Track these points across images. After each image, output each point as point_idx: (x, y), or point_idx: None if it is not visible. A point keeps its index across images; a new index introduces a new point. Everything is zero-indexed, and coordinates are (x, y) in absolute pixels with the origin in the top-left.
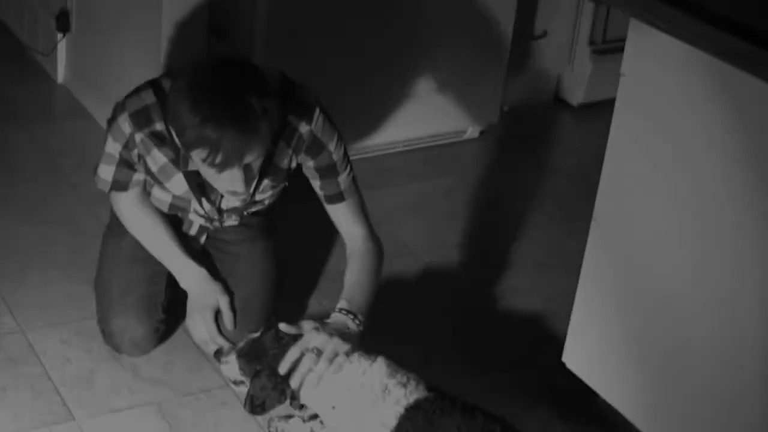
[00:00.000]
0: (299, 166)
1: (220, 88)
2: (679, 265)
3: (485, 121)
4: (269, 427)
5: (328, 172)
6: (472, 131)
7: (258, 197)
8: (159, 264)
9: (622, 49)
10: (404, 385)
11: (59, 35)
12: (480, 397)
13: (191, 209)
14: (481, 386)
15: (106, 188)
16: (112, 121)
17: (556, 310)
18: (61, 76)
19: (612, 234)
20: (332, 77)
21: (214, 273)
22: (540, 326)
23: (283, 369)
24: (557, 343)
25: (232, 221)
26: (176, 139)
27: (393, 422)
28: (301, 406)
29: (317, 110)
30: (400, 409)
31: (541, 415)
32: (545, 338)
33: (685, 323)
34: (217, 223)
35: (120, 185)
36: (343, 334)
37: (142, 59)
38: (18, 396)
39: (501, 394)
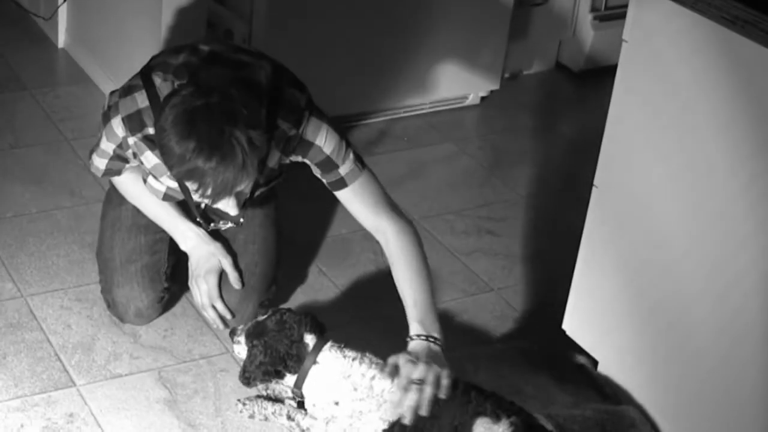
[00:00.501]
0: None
1: (205, 123)
2: (680, 232)
3: (486, 87)
4: (243, 403)
5: (326, 165)
6: (474, 97)
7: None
8: (160, 231)
9: (623, 16)
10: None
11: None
12: (482, 366)
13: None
14: (481, 355)
15: (99, 174)
16: (105, 120)
17: (556, 277)
18: (61, 40)
19: (613, 201)
20: (332, 43)
21: (215, 235)
22: (540, 294)
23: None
24: (558, 311)
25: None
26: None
27: None
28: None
29: (306, 113)
30: None
31: (540, 383)
32: (545, 306)
33: (686, 291)
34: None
35: (113, 173)
36: (433, 358)
37: (143, 24)
38: (19, 362)
39: (501, 363)
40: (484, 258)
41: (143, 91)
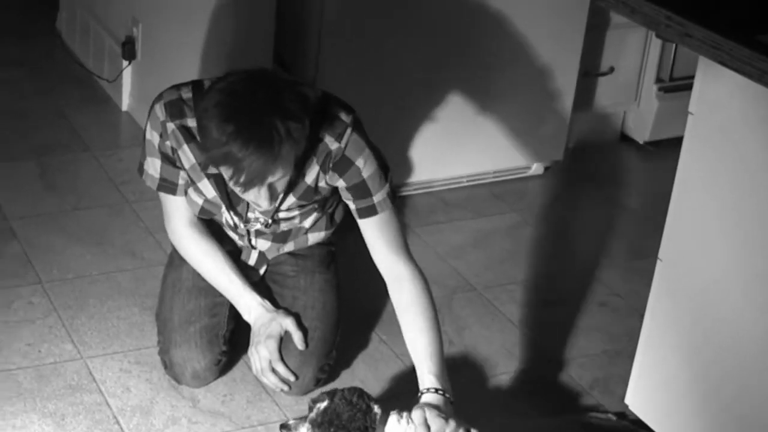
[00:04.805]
0: (336, 191)
1: (246, 108)
2: (747, 310)
3: (550, 157)
4: None
5: (360, 190)
6: (537, 167)
7: (285, 215)
8: (220, 295)
9: (689, 87)
10: None
11: (125, 63)
12: None
13: (222, 218)
14: (545, 427)
15: (154, 185)
16: (150, 109)
17: (619, 350)
18: (125, 103)
19: (678, 275)
20: (397, 111)
21: (275, 305)
22: (602, 367)
23: None
24: (620, 385)
25: (261, 228)
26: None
27: None
28: None
29: (349, 129)
30: None
31: None
32: (608, 379)
33: (752, 369)
34: (243, 231)
35: (168, 186)
36: (449, 413)
37: None
38: (77, 424)
39: None
40: (546, 329)
41: (190, 86)
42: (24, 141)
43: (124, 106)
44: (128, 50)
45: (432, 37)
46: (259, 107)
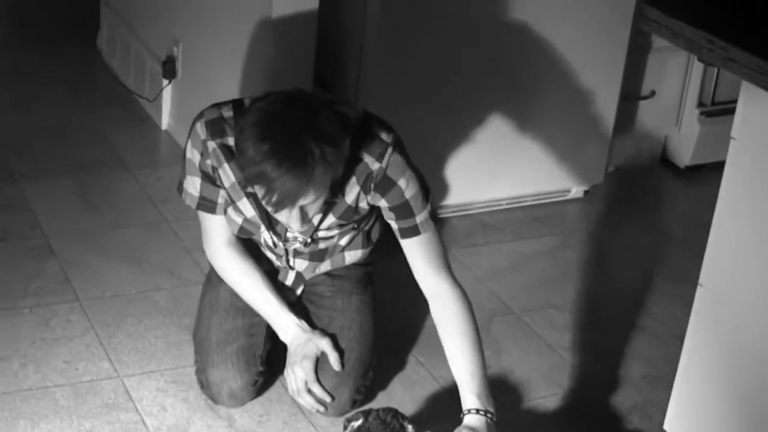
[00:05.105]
0: (379, 210)
1: (282, 129)
2: None
3: (590, 180)
4: None
5: (402, 211)
6: (577, 191)
7: (324, 234)
8: (258, 315)
9: (731, 112)
10: None
11: (165, 81)
12: None
13: (261, 237)
14: None
15: (194, 204)
16: (191, 127)
17: (658, 375)
18: (165, 122)
19: (719, 301)
20: (437, 134)
21: (312, 325)
22: (641, 392)
23: None
24: (659, 410)
25: (299, 247)
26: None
27: None
28: None
29: (390, 149)
30: None
31: None
32: (647, 404)
33: None
34: (281, 250)
35: (207, 205)
36: None
37: None
38: None
39: None
40: (585, 354)
41: (230, 105)
42: (63, 159)
43: (164, 125)
44: (168, 69)
45: (472, 59)
46: (295, 128)
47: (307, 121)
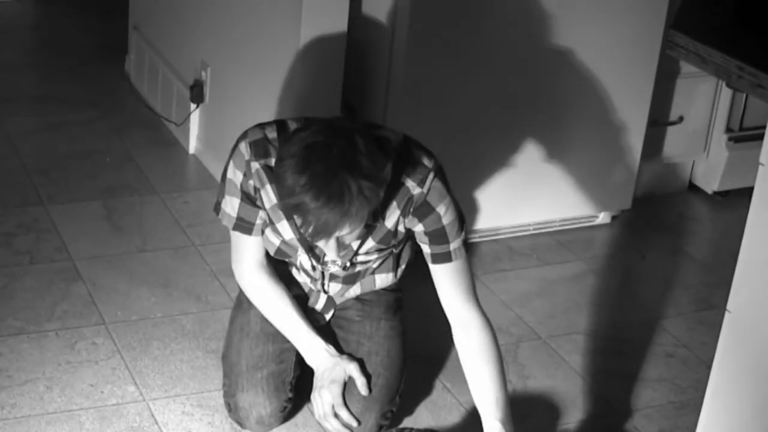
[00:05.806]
0: (412, 234)
1: (321, 162)
2: None
3: (617, 206)
4: None
5: (438, 237)
6: (604, 216)
7: (363, 258)
8: (288, 341)
9: (759, 137)
10: None
11: (192, 106)
12: None
13: (297, 260)
14: None
15: (231, 225)
16: (234, 147)
17: (685, 402)
18: (192, 146)
19: (747, 327)
20: (463, 158)
21: (340, 350)
22: (668, 418)
23: None
24: None
25: (337, 271)
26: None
27: None
28: None
29: (431, 174)
30: None
31: None
32: (674, 431)
33: None
34: (318, 274)
35: (244, 226)
36: None
37: None
38: None
39: None
40: (612, 380)
41: (274, 126)
42: (91, 182)
43: (191, 149)
44: (196, 93)
45: (501, 85)
46: (334, 162)
47: (345, 154)
